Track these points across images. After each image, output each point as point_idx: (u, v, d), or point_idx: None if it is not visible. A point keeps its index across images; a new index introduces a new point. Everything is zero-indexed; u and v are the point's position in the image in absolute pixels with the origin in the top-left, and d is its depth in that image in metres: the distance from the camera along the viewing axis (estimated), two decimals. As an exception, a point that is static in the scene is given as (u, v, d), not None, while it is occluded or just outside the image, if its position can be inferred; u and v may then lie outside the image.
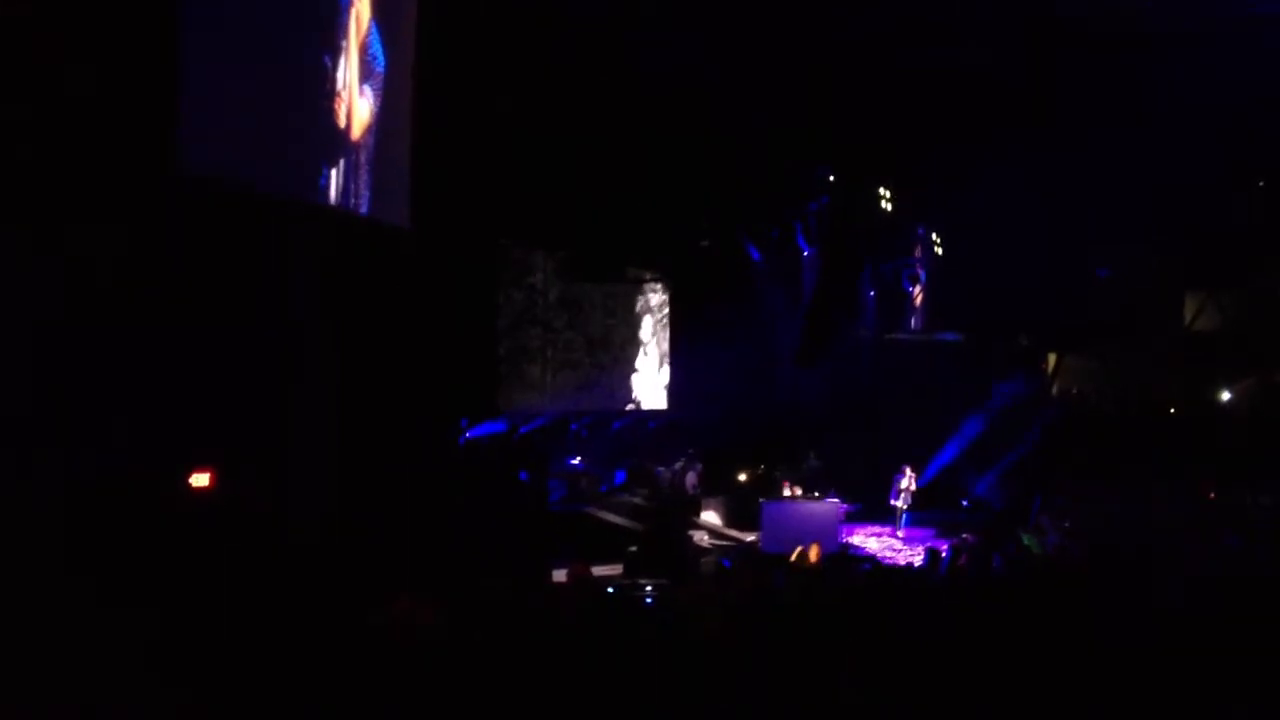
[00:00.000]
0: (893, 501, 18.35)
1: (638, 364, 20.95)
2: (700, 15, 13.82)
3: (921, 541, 16.44)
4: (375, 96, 11.27)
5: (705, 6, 13.83)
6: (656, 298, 21.31)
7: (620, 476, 18.74)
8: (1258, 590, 8.54)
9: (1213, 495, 17.19)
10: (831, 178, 21.15)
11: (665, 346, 21.40)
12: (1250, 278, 23.35)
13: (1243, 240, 22.00)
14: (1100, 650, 6.42)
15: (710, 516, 18.28)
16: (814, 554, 12.75)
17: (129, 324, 8.30)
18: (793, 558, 10.36)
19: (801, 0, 14.18)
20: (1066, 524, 15.81)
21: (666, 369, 21.43)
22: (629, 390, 20.69)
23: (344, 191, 10.88)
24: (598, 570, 11.29)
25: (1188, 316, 24.64)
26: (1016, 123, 17.28)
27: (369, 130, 11.20)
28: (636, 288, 21.00)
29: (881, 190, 21.73)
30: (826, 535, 15.37)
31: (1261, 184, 21.23)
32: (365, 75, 11.02)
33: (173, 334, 8.76)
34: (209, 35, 8.64)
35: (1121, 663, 6.29)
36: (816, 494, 17.42)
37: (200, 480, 9.28)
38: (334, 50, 10.48)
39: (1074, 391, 25.11)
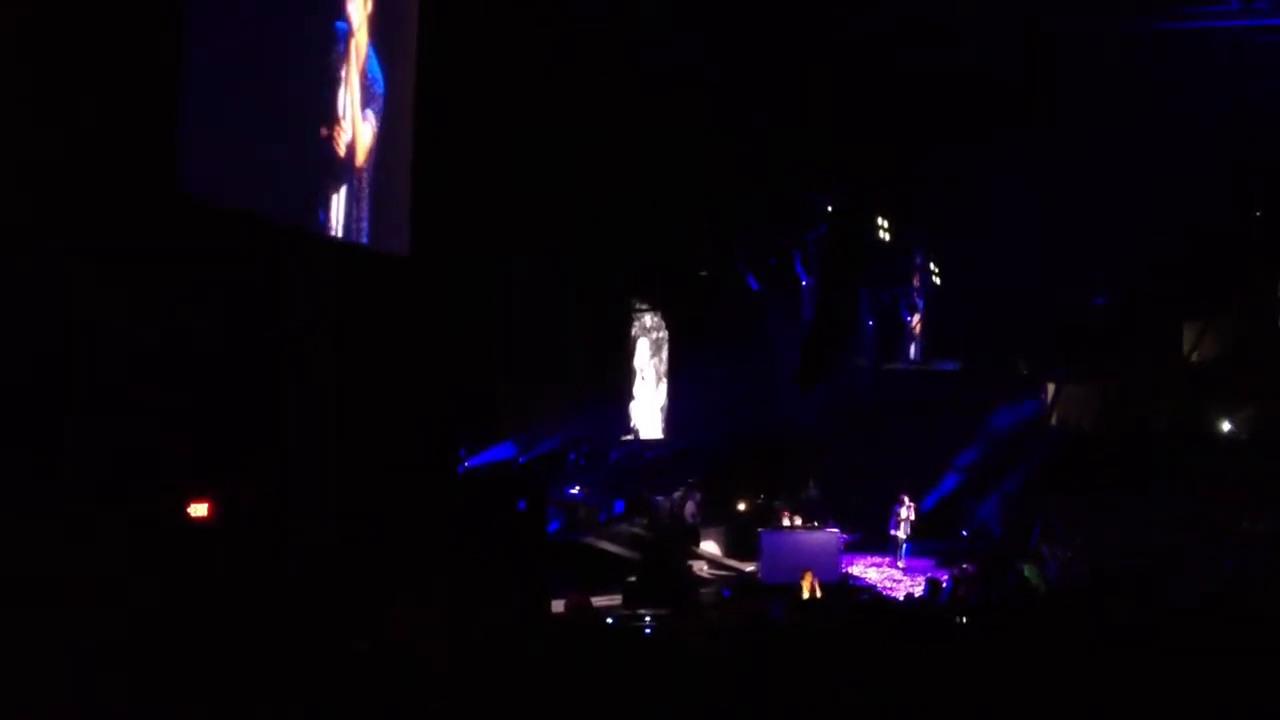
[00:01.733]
0: (892, 531, 18.27)
1: (636, 393, 20.93)
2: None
3: (922, 572, 16.35)
4: (376, 119, 11.26)
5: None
6: (654, 324, 21.32)
7: (619, 506, 18.66)
8: (1253, 615, 8.53)
9: (1210, 521, 17.13)
10: (830, 207, 21.21)
11: (664, 375, 21.38)
12: (1248, 305, 23.39)
13: (1240, 268, 22.05)
14: (1100, 677, 6.40)
15: (709, 546, 18.20)
16: (808, 582, 12.79)
17: (128, 345, 8.30)
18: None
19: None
20: (1069, 553, 15.77)
21: (665, 398, 21.40)
22: (627, 419, 20.65)
23: (345, 220, 10.87)
24: (597, 600, 11.26)
25: (1186, 345, 24.65)
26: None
27: (371, 154, 11.18)
28: (635, 316, 21.02)
29: (879, 220, 21.80)
30: (826, 565, 15.30)
31: (1259, 214, 21.29)
32: (366, 100, 11.02)
33: (172, 359, 8.75)
34: (210, 69, 8.67)
35: (1123, 691, 6.27)
36: (816, 524, 17.36)
37: (199, 510, 9.25)
38: (334, 81, 10.50)
39: (1073, 421, 25.09)
